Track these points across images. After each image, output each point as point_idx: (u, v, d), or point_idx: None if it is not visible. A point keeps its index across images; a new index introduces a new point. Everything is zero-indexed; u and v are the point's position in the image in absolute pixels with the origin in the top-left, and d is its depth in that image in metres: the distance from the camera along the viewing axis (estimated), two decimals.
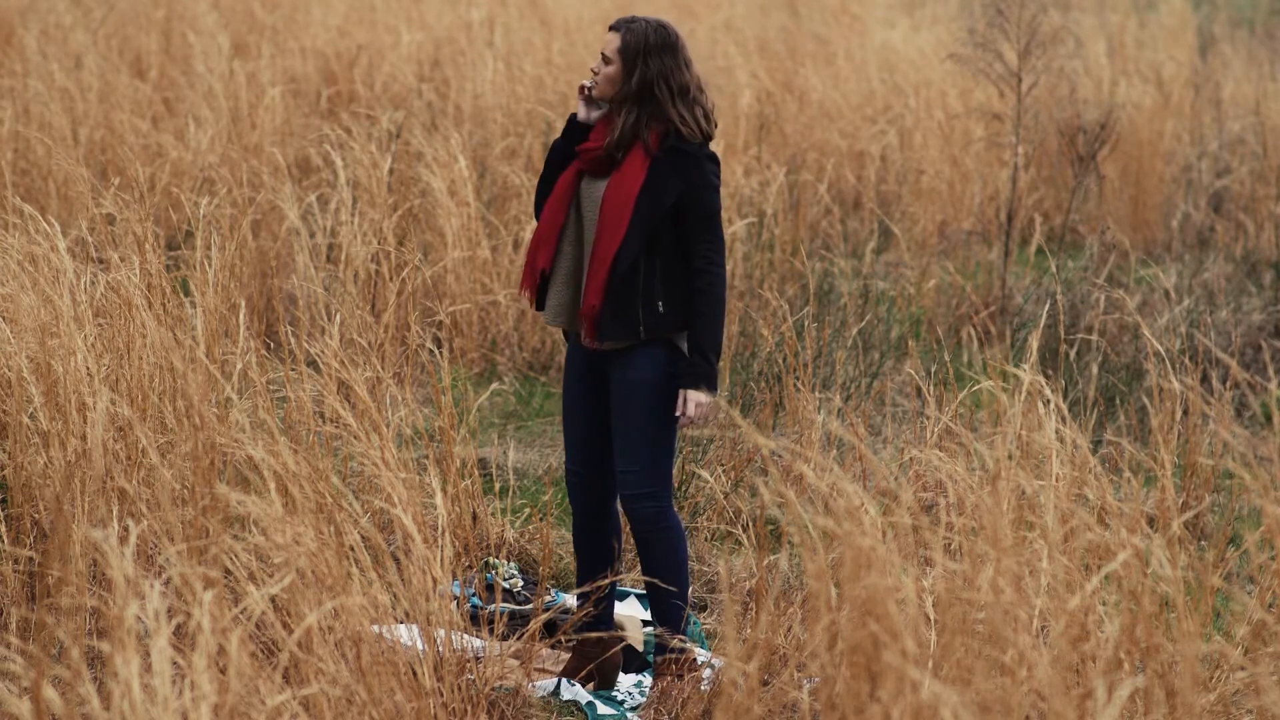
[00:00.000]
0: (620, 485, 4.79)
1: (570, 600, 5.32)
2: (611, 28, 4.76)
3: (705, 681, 4.81)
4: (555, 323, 4.84)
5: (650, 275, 4.71)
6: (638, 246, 4.68)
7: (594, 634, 4.91)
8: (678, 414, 4.70)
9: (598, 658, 4.93)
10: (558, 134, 9.56)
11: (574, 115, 4.82)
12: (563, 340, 7.41)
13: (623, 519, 5.11)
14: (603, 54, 4.75)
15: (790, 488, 5.16)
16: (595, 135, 4.78)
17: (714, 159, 4.74)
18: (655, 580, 4.79)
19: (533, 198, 8.03)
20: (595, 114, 4.80)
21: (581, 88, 4.80)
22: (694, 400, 4.69)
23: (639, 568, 5.62)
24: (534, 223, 7.74)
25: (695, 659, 4.84)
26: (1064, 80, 10.99)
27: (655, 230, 4.70)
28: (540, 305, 4.85)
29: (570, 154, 4.80)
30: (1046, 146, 10.22)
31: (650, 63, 4.70)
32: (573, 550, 5.75)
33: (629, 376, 4.74)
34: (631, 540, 5.67)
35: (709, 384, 4.70)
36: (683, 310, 4.74)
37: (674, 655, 4.78)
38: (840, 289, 8.04)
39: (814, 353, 6.59)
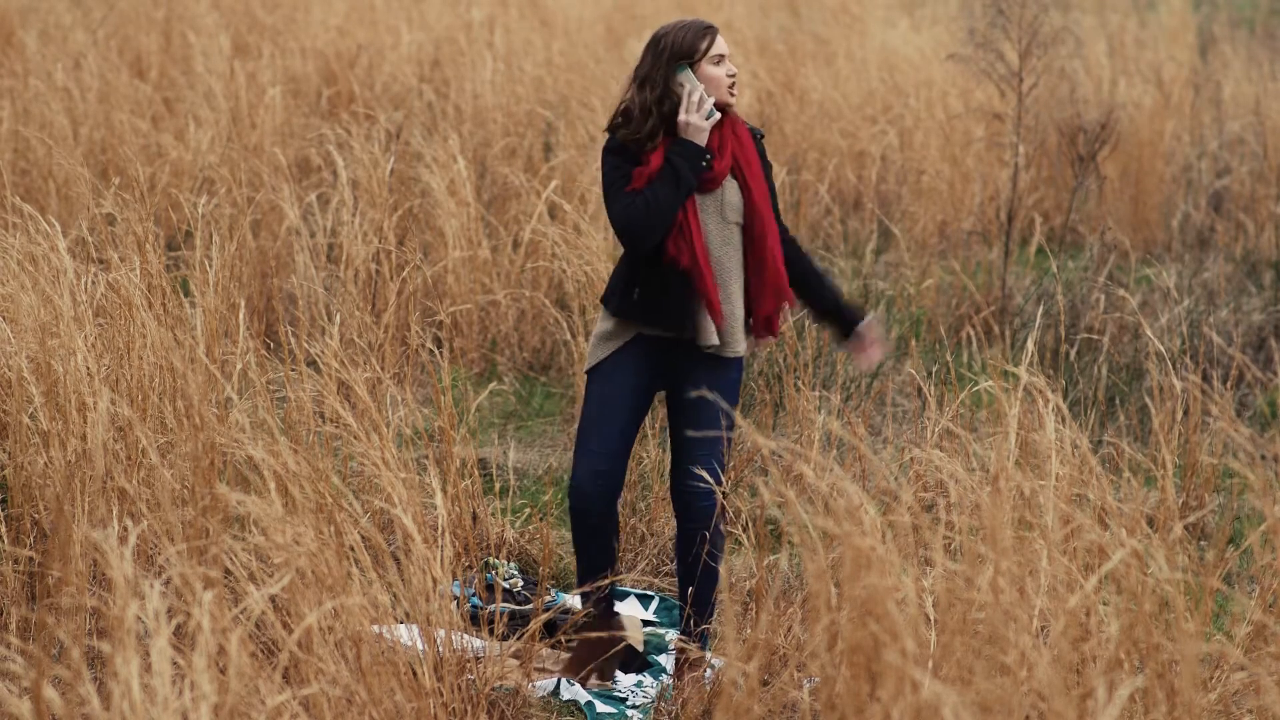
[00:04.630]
0: (699, 485, 4.81)
1: (570, 600, 5.32)
2: (712, 29, 4.77)
3: (705, 681, 4.81)
4: (672, 331, 4.78)
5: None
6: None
7: (594, 634, 4.91)
8: (873, 339, 4.89)
9: (598, 658, 4.93)
10: (557, 134, 9.63)
11: (702, 149, 4.72)
12: (563, 341, 7.40)
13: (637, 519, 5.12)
14: (726, 56, 4.80)
15: (790, 488, 5.16)
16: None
17: None
18: (696, 581, 4.86)
19: (532, 198, 8.03)
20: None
21: (705, 112, 4.73)
22: (876, 326, 4.93)
23: (638, 568, 5.63)
24: (533, 224, 7.73)
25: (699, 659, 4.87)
26: (1064, 80, 10.99)
27: None
28: (629, 315, 4.76)
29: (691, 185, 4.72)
30: (1047, 146, 10.21)
31: None
32: (574, 551, 5.76)
33: (729, 376, 4.81)
34: (625, 540, 5.67)
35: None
36: None
37: (688, 656, 4.84)
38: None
39: (814, 353, 6.59)
